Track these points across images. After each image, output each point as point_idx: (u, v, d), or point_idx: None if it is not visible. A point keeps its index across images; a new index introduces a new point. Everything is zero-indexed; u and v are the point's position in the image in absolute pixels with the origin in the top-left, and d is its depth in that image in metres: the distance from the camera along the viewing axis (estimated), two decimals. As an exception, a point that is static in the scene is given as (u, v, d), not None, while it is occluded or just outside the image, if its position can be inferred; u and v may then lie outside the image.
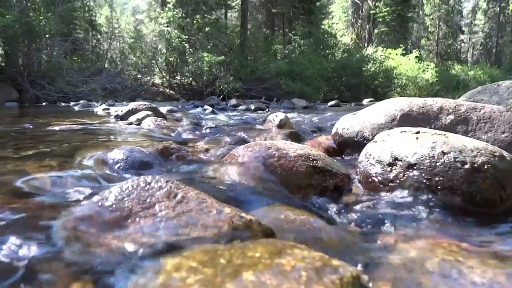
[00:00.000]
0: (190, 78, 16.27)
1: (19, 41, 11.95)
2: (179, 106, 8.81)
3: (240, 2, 20.46)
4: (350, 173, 1.44)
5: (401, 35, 28.09)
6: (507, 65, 34.58)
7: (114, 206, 0.77)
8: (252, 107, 8.84)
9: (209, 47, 16.48)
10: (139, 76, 16.26)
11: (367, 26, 30.10)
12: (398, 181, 1.21)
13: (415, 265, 0.71)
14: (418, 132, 1.31)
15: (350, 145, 2.08)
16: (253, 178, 1.27)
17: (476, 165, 1.12)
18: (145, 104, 4.56)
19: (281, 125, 3.49)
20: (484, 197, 1.10)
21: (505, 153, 1.21)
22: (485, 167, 1.12)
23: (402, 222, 1.02)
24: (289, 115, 4.98)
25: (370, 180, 1.29)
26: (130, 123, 3.73)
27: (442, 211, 1.07)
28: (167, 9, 16.52)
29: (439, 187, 1.13)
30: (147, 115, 3.76)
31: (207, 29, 16.49)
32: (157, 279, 0.54)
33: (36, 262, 0.62)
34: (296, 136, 2.65)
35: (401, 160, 1.23)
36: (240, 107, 9.06)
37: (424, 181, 1.15)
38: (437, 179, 1.14)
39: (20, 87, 11.41)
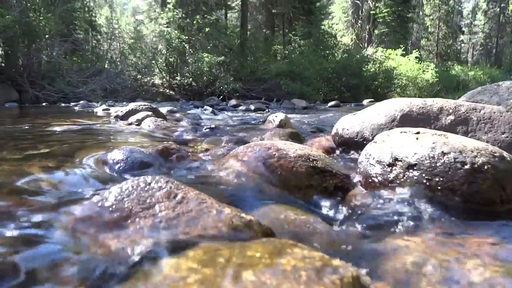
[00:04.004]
0: (190, 79, 16.28)
1: (19, 42, 11.96)
2: (179, 107, 8.81)
3: (240, 3, 20.47)
4: (350, 174, 1.44)
5: (401, 35, 28.11)
6: (507, 65, 34.56)
7: (114, 206, 0.77)
8: (252, 107, 8.84)
9: (209, 47, 16.49)
10: (139, 76, 16.26)
11: (367, 27, 30.12)
12: (398, 182, 1.21)
13: (415, 265, 0.71)
14: (418, 133, 1.31)
15: (350, 146, 2.08)
16: (253, 178, 1.27)
17: (476, 165, 1.12)
18: (145, 105, 4.56)
19: (281, 126, 3.49)
20: (484, 197, 1.10)
21: (505, 154, 1.21)
22: (485, 167, 1.12)
23: (402, 223, 1.01)
24: (289, 115, 4.98)
25: (370, 180, 1.29)
26: (130, 124, 3.73)
27: (442, 212, 1.07)
28: (167, 9, 16.54)
29: (439, 188, 1.13)
30: (147, 116, 3.76)
31: (207, 29, 16.50)
32: (157, 279, 0.54)
33: (36, 262, 0.62)
34: (296, 137, 2.65)
35: (401, 161, 1.23)
36: (240, 108, 9.07)
37: (424, 181, 1.15)
38: (437, 179, 1.13)
39: (20, 87, 11.42)
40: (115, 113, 4.62)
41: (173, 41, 15.97)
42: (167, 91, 16.48)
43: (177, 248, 0.63)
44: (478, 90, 2.63)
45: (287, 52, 20.04)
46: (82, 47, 16.41)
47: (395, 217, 1.05)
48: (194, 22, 16.37)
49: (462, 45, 46.33)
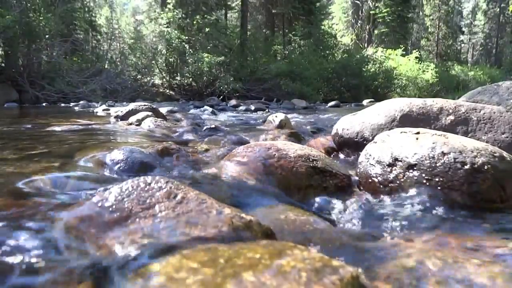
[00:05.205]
0: (190, 79, 16.28)
1: (19, 42, 11.97)
2: (179, 107, 8.81)
3: (240, 3, 20.48)
4: (350, 174, 1.44)
5: (401, 35, 28.12)
6: (507, 65, 34.58)
7: (114, 206, 0.77)
8: (252, 107, 8.85)
9: (209, 47, 16.49)
10: (139, 76, 16.27)
11: (367, 27, 30.14)
12: (398, 182, 1.21)
13: (415, 265, 0.71)
14: (418, 133, 1.31)
15: (350, 146, 2.08)
16: (253, 178, 1.27)
17: (476, 165, 1.12)
18: (145, 105, 4.56)
19: (281, 126, 3.49)
20: (484, 197, 1.10)
21: (505, 154, 1.21)
22: (485, 167, 1.12)
23: (402, 222, 1.01)
24: (289, 115, 4.98)
25: (370, 180, 1.29)
26: (130, 124, 3.73)
27: (442, 212, 1.07)
28: (167, 9, 16.54)
29: (439, 188, 1.13)
30: (147, 116, 3.76)
31: (207, 29, 16.50)
32: (157, 279, 0.54)
33: (36, 262, 0.62)
34: (296, 137, 2.65)
35: (401, 161, 1.23)
36: (240, 108, 9.07)
37: (424, 181, 1.15)
38: (437, 179, 1.13)
39: (20, 87, 11.42)
40: (115, 113, 4.62)
41: (173, 41, 15.97)
42: (167, 91, 16.48)
43: (177, 248, 0.63)
44: (478, 90, 2.63)
45: (287, 52, 20.06)
46: (82, 47, 16.43)
47: (395, 217, 1.05)
48: (194, 22, 16.36)
49: (462, 45, 46.33)
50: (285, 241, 0.72)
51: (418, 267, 0.70)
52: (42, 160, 1.60)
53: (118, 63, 16.66)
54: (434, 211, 1.07)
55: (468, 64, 39.92)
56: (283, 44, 21.34)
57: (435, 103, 1.95)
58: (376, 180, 1.27)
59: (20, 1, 12.06)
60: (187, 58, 16.09)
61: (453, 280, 0.66)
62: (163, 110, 5.23)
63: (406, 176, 1.19)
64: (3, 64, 12.28)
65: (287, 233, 0.88)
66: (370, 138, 1.91)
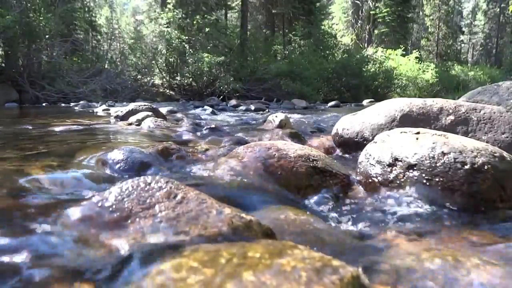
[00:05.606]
0: (190, 79, 16.28)
1: (19, 42, 11.97)
2: (179, 107, 8.81)
3: (240, 3, 20.49)
4: (350, 174, 1.44)
5: (401, 35, 28.15)
6: (507, 65, 34.59)
7: (114, 206, 0.77)
8: (252, 107, 8.85)
9: (209, 47, 16.50)
10: (139, 76, 16.28)
11: (367, 27, 30.15)
12: (398, 182, 1.21)
13: (415, 265, 0.71)
14: (418, 133, 1.31)
15: (350, 146, 2.08)
16: (253, 178, 1.27)
17: (476, 165, 1.12)
18: (145, 105, 4.56)
19: (281, 126, 3.49)
20: (484, 197, 1.10)
21: (505, 154, 1.21)
22: (485, 167, 1.12)
23: (402, 223, 1.02)
24: (289, 115, 4.98)
25: (370, 180, 1.29)
26: (130, 124, 3.73)
27: (442, 212, 1.07)
28: (167, 9, 16.55)
29: (439, 188, 1.13)
30: (147, 116, 3.76)
31: (207, 29, 16.51)
32: (157, 279, 0.54)
33: (36, 262, 0.62)
34: (296, 137, 2.65)
35: (401, 161, 1.23)
36: (240, 108, 9.07)
37: (424, 181, 1.15)
38: (437, 179, 1.13)
39: (20, 87, 11.43)
40: (115, 113, 4.62)
41: (173, 41, 15.98)
42: (167, 91, 16.49)
43: (177, 248, 0.63)
44: (478, 90, 2.63)
45: (287, 52, 20.08)
46: (82, 47, 16.43)
47: (395, 217, 1.05)
48: (194, 22, 16.37)
49: (462, 45, 46.34)
50: (285, 241, 0.72)
51: (418, 267, 0.70)
52: (42, 159, 1.60)
53: (118, 63, 16.67)
54: (434, 211, 1.07)
55: (468, 64, 39.93)
56: (283, 44, 21.36)
57: (435, 103, 1.95)
58: (376, 180, 1.27)
59: (20, 1, 12.06)
60: (187, 58, 16.10)
61: (453, 279, 0.66)
62: (163, 110, 5.23)
63: (406, 176, 1.19)
64: (3, 64, 12.29)
65: (287, 233, 0.88)
66: (370, 138, 1.91)
